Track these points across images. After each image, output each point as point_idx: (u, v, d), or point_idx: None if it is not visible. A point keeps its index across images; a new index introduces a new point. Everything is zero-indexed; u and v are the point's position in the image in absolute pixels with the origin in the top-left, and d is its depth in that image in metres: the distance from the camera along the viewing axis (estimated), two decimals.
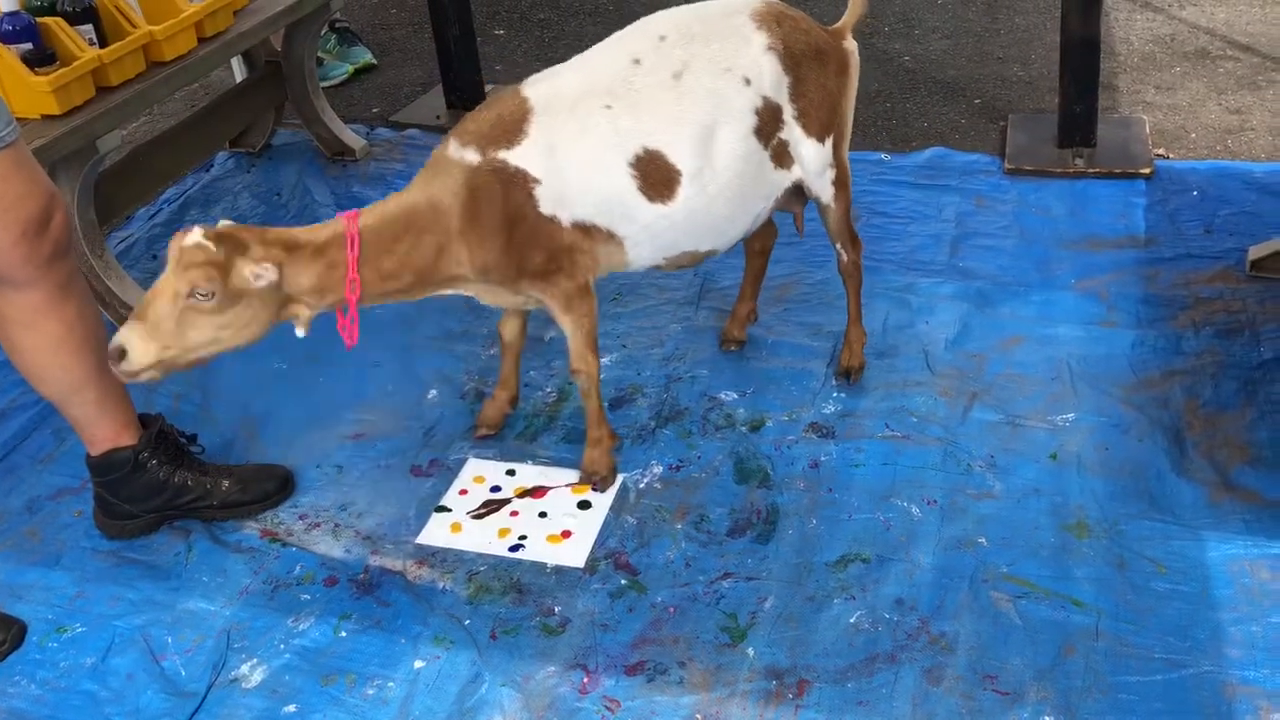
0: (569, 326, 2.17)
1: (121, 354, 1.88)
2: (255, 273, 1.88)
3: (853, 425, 2.40)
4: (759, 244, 2.57)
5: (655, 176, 2.07)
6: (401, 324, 2.84)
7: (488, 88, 3.86)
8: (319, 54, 4.12)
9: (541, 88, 2.07)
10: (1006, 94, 3.76)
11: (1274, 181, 3.11)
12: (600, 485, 2.27)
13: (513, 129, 2.02)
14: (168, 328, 1.87)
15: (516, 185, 2.01)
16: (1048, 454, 2.28)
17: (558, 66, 2.13)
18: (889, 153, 3.44)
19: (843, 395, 2.49)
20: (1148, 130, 3.38)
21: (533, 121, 2.03)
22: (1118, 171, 3.20)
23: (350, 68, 4.27)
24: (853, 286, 2.49)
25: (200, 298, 1.85)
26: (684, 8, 2.19)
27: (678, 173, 2.08)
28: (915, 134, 3.58)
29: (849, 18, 2.34)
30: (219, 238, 1.87)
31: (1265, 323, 2.57)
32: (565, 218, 2.06)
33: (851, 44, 2.31)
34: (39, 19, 2.59)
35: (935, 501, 2.20)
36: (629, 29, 2.16)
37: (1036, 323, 2.66)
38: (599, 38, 2.20)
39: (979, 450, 2.31)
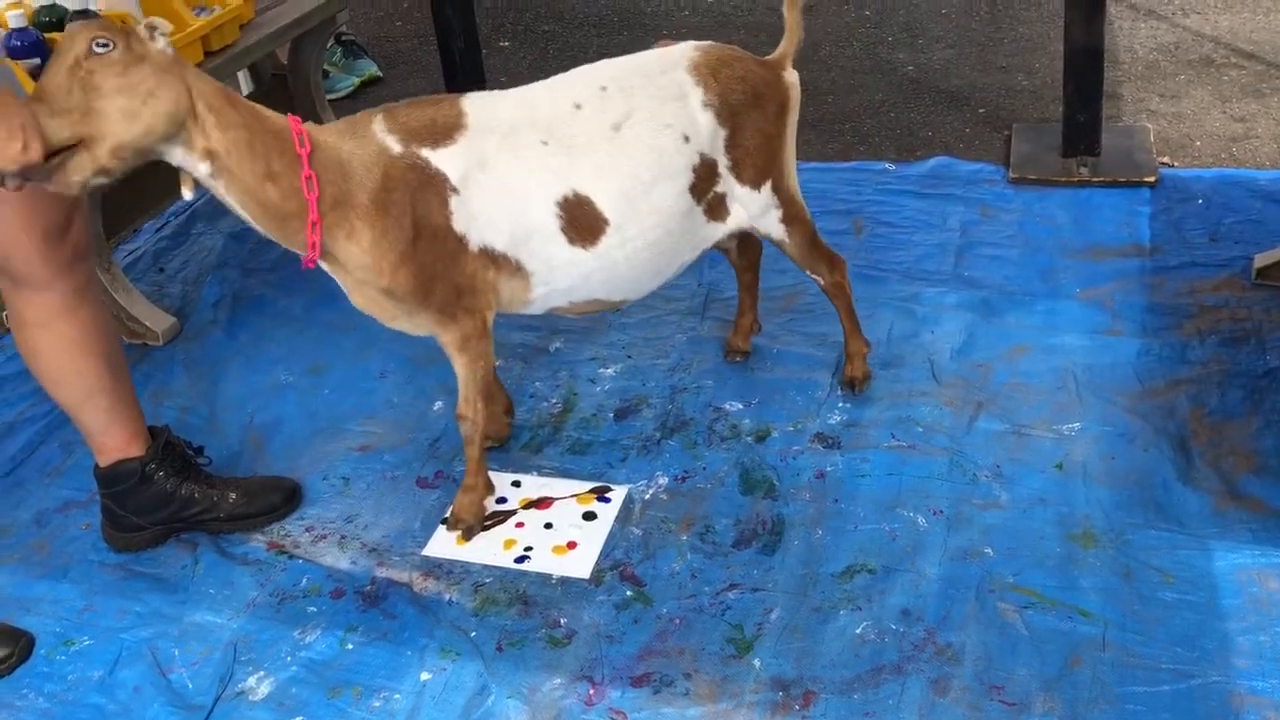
0: (462, 368, 2.13)
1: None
2: (151, 23, 1.75)
3: (858, 435, 2.40)
4: (746, 259, 2.56)
5: (581, 221, 2.05)
6: (407, 336, 2.84)
7: None
8: (325, 67, 4.14)
9: (481, 106, 2.03)
10: (1011, 103, 3.76)
11: (1279, 189, 3.11)
12: (466, 533, 2.23)
13: (443, 134, 1.99)
14: (72, 101, 1.69)
15: (433, 187, 1.97)
16: (1053, 463, 2.28)
17: (503, 92, 2.10)
18: (893, 162, 3.44)
19: (848, 405, 2.49)
20: (1152, 139, 3.38)
21: (466, 134, 1.99)
22: (1122, 180, 3.20)
23: (356, 80, 4.29)
24: (841, 305, 2.46)
25: (100, 49, 1.69)
26: (624, 59, 2.17)
27: (605, 222, 2.06)
28: (919, 143, 3.59)
29: (786, 46, 2.26)
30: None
31: (1271, 331, 2.57)
32: (474, 241, 2.02)
33: (791, 75, 2.25)
34: (47, 34, 2.61)
35: (941, 512, 2.20)
36: (569, 74, 2.15)
37: (1042, 332, 2.66)
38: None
39: (985, 460, 2.31)
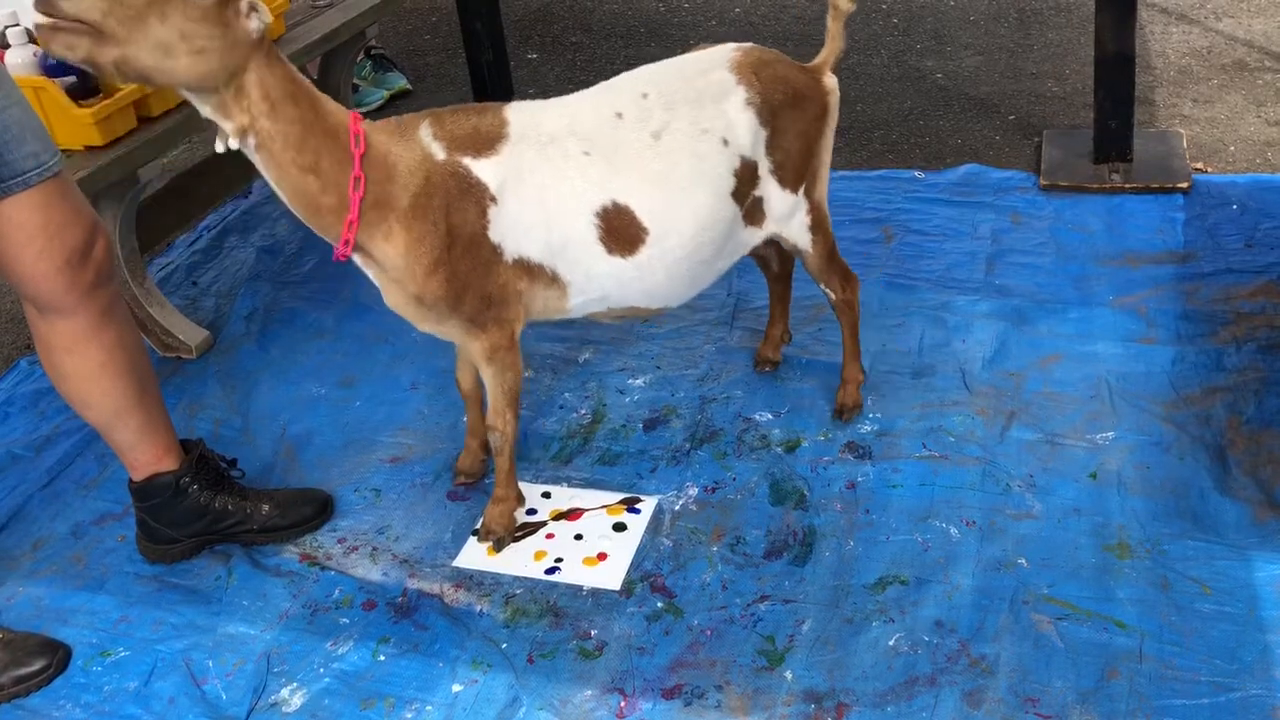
0: (490, 378, 2.13)
1: None
2: (254, 3, 1.77)
3: (889, 445, 2.39)
4: (778, 269, 2.56)
5: (620, 231, 2.05)
6: (437, 346, 2.86)
7: None
8: (355, 80, 4.17)
9: (525, 115, 2.05)
10: (1041, 110, 3.74)
11: None
12: (497, 544, 2.23)
13: (485, 143, 2.00)
14: (137, 1, 1.68)
15: (472, 196, 1.98)
16: (1087, 473, 2.26)
17: (547, 101, 2.11)
18: (923, 170, 3.43)
19: (879, 415, 2.47)
20: (1185, 144, 3.35)
21: (507, 144, 2.01)
22: (1155, 186, 3.17)
23: (386, 93, 4.32)
24: (847, 324, 2.45)
25: None
26: (666, 63, 2.18)
27: (644, 231, 2.06)
28: (949, 151, 3.57)
29: (827, 54, 2.27)
30: None
31: None
32: (510, 251, 2.02)
33: (831, 81, 2.25)
34: None
35: (974, 522, 2.18)
36: (612, 82, 2.15)
37: (1075, 340, 2.64)
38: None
39: (1018, 470, 2.29)
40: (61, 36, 1.69)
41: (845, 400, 2.48)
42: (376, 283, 2.07)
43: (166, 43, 1.72)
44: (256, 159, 1.89)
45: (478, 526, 2.30)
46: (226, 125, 1.84)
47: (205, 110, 1.85)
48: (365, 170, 1.92)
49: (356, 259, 2.02)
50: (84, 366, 2.08)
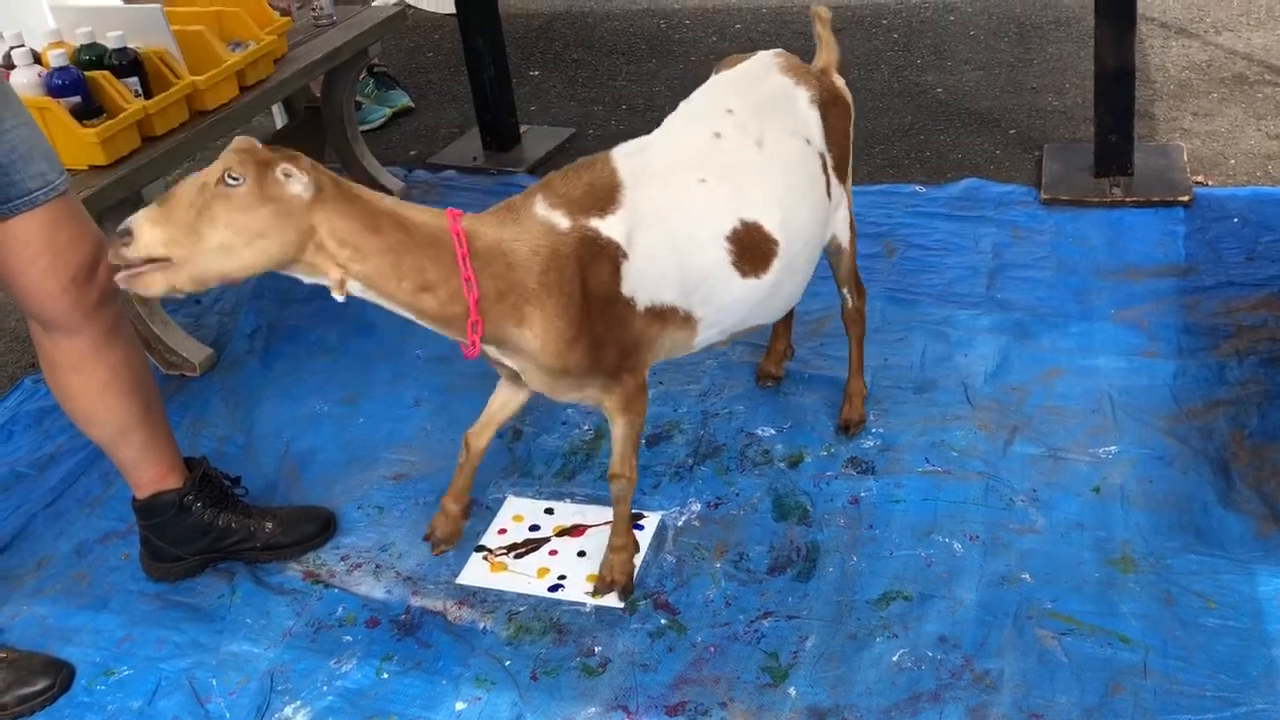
0: (622, 428, 2.06)
1: (127, 235, 1.71)
2: (286, 170, 1.72)
3: (892, 460, 2.39)
4: None
5: (751, 250, 2.00)
6: (439, 363, 2.86)
7: (523, 128, 3.90)
8: (357, 98, 4.19)
9: (632, 159, 1.97)
10: (1041, 124, 3.75)
11: None
12: (622, 594, 2.14)
13: (605, 198, 1.91)
14: (183, 218, 1.70)
15: (605, 256, 1.89)
16: (1090, 487, 2.26)
17: (644, 139, 2.06)
18: (924, 185, 3.44)
19: (881, 430, 2.47)
20: (1186, 157, 3.36)
21: (625, 193, 1.92)
22: (1156, 200, 3.17)
23: (388, 111, 4.33)
24: (855, 334, 2.46)
25: (231, 182, 1.70)
26: (721, 79, 2.17)
27: (774, 244, 2.02)
28: (950, 165, 3.58)
29: (828, 59, 2.30)
30: (274, 149, 1.76)
31: None
32: (642, 301, 1.94)
33: (842, 82, 2.29)
34: (87, 73, 2.66)
35: (977, 537, 2.18)
36: (691, 104, 2.13)
37: (1076, 354, 2.64)
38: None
39: (1021, 484, 2.29)
40: (140, 280, 1.72)
41: (851, 415, 2.48)
42: (516, 368, 1.98)
43: (225, 243, 1.71)
44: (369, 298, 1.83)
45: (480, 542, 2.30)
46: (326, 282, 1.79)
47: (305, 279, 1.81)
48: (479, 266, 1.83)
49: (490, 351, 1.94)
50: (89, 384, 2.09)
